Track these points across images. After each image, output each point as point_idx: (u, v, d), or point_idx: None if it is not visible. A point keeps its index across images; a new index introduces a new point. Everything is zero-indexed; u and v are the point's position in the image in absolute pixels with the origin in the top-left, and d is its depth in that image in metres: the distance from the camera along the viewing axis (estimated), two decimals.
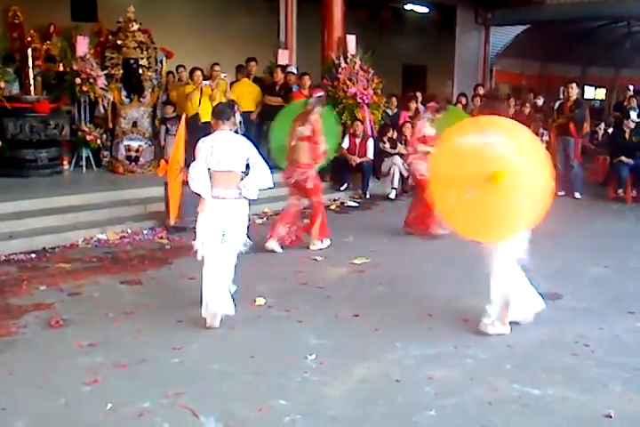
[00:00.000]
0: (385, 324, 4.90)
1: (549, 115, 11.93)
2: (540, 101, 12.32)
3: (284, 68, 10.92)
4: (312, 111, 6.90)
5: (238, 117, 5.20)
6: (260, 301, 5.33)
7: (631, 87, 14.48)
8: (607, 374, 4.11)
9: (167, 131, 10.01)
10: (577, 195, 10.71)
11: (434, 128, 7.57)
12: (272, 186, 5.08)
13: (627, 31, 20.81)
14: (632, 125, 10.65)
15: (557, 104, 11.62)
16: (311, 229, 7.07)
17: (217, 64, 10.37)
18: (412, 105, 11.54)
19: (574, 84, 11.23)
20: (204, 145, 4.90)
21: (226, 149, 4.87)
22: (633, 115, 10.80)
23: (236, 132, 5.35)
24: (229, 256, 4.94)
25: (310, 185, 6.96)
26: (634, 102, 12.40)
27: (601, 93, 24.18)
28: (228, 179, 4.90)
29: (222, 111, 5.04)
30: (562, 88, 20.85)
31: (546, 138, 11.84)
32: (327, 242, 7.10)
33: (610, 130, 13.17)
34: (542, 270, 6.34)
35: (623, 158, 10.42)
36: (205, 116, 9.75)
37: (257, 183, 4.93)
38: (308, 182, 6.93)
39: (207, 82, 9.76)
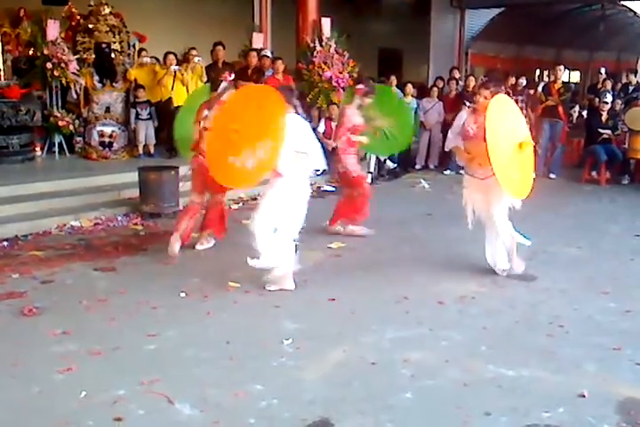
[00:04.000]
0: (361, 307, 4.91)
1: (530, 97, 11.88)
2: (523, 82, 12.14)
3: (258, 51, 10.82)
4: (223, 95, 6.22)
5: (296, 102, 5.46)
6: (235, 285, 5.31)
7: (603, 70, 14.55)
8: (581, 354, 4.16)
9: (137, 115, 9.86)
10: (552, 175, 10.82)
11: (362, 115, 6.88)
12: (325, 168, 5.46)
13: (601, 14, 20.90)
14: (607, 108, 10.72)
15: (542, 86, 11.61)
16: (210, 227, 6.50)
17: (194, 48, 10.27)
18: None
19: (562, 67, 11.27)
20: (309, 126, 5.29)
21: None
22: (608, 97, 10.86)
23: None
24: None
25: None
26: (608, 85, 12.47)
27: (575, 76, 24.29)
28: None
29: (284, 95, 5.24)
30: (537, 71, 21.05)
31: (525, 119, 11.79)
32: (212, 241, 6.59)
33: (584, 113, 13.24)
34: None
35: (601, 130, 10.51)
36: (178, 100, 9.67)
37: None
38: None
39: (176, 67, 9.64)
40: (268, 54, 10.97)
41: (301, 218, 5.18)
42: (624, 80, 13.69)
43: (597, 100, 11.48)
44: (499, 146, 5.21)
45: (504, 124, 5.33)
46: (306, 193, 5.25)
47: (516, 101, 11.43)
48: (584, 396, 3.60)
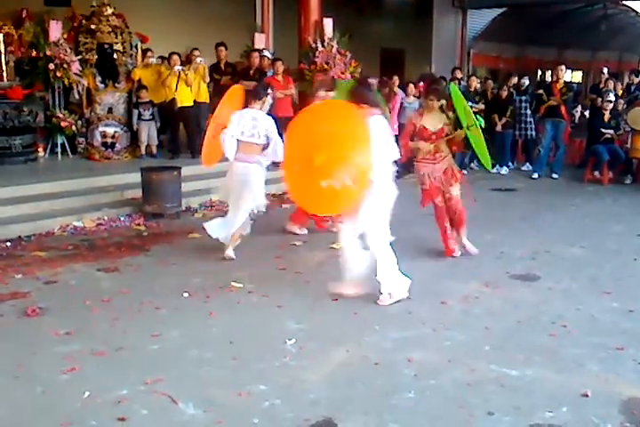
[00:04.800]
0: (364, 307, 4.91)
1: (533, 97, 11.83)
2: (525, 81, 12.04)
3: (260, 51, 10.83)
4: (314, 97, 6.74)
5: (269, 100, 6.27)
6: (238, 285, 5.31)
7: (605, 70, 14.55)
8: (584, 353, 4.15)
9: (140, 115, 9.85)
10: (554, 175, 10.81)
11: (435, 116, 6.07)
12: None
13: (603, 14, 20.94)
14: (610, 107, 10.70)
15: (544, 86, 11.57)
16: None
17: (196, 49, 10.29)
18: (384, 91, 11.48)
19: (563, 67, 11.23)
20: (234, 118, 5.93)
21: (250, 123, 5.93)
22: (611, 96, 10.85)
23: (269, 114, 6.31)
24: (244, 207, 6.02)
25: None
26: (611, 85, 12.45)
27: (577, 76, 24.28)
28: (249, 148, 5.99)
29: (256, 92, 6.20)
30: (539, 71, 21.05)
31: (530, 119, 11.68)
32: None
33: (587, 113, 13.22)
34: (519, 252, 6.43)
35: (603, 130, 10.50)
36: (182, 100, 9.68)
37: (272, 155, 6.04)
38: None
39: (180, 67, 9.65)
40: (268, 54, 10.96)
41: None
42: (626, 80, 13.68)
43: (600, 99, 11.46)
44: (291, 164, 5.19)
45: (306, 139, 5.06)
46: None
47: (520, 101, 11.50)
48: (587, 396, 3.60)
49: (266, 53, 10.92)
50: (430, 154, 6.02)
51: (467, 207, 6.22)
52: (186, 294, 5.13)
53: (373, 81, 5.99)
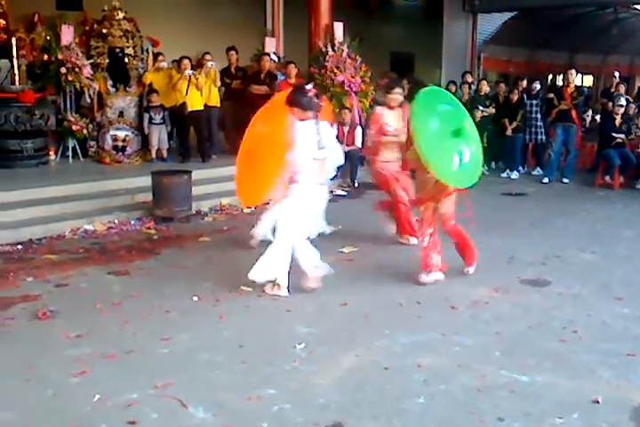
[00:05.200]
0: (373, 312, 4.91)
1: (544, 101, 11.80)
2: (537, 86, 12.00)
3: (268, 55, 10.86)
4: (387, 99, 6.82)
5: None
6: (248, 289, 5.32)
7: (617, 74, 14.49)
8: (595, 360, 4.13)
9: (150, 119, 9.89)
10: (565, 180, 10.77)
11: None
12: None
13: (614, 17, 20.87)
14: (621, 111, 10.66)
15: (556, 90, 11.54)
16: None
17: (208, 53, 10.33)
18: None
19: (573, 71, 11.17)
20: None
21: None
22: (622, 100, 10.81)
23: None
24: None
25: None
26: (622, 89, 12.42)
27: (588, 80, 24.20)
28: None
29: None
30: (550, 75, 20.99)
31: (541, 123, 11.62)
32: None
33: (597, 117, 13.18)
34: (530, 257, 6.40)
35: (614, 134, 10.46)
36: (193, 104, 9.71)
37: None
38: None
39: (190, 71, 9.69)
40: (274, 58, 10.98)
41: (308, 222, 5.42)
42: (637, 84, 13.65)
43: (611, 104, 11.41)
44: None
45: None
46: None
47: (530, 106, 11.47)
48: (598, 402, 3.58)
49: (272, 57, 10.94)
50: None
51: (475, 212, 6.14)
52: (196, 298, 5.14)
53: (310, 87, 5.90)
